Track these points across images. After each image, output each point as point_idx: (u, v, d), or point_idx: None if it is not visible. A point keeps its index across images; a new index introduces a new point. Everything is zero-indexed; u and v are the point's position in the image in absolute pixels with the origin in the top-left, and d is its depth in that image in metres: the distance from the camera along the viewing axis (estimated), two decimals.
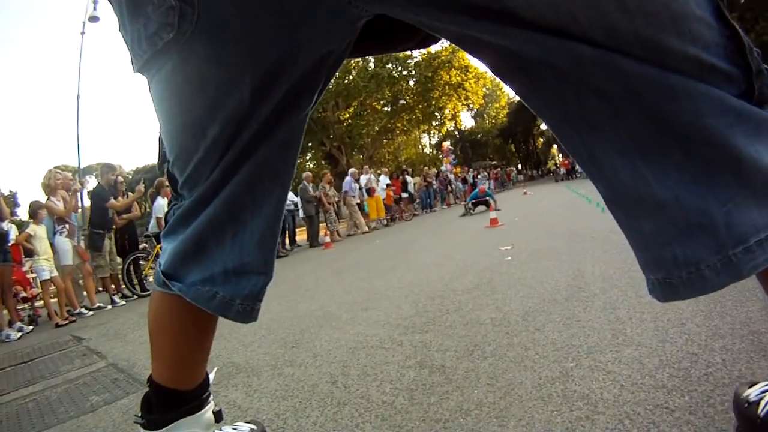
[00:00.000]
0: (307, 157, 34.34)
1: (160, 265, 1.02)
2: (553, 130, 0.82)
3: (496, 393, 1.76)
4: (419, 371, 2.08)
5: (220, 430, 1.27)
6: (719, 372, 1.55)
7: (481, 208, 13.21)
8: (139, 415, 1.10)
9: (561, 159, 36.31)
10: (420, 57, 30.34)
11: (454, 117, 39.51)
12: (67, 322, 5.86)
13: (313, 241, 11.76)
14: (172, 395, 1.08)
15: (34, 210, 6.50)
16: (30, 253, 6.62)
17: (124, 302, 7.11)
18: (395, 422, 1.68)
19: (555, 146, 49.74)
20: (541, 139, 54.45)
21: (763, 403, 1.05)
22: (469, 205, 13.26)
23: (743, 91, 0.66)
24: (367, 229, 12.95)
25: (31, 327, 6.10)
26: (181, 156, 0.93)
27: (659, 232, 0.73)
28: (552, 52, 0.68)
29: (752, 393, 1.12)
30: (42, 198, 6.69)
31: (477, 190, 14.02)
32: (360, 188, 13.64)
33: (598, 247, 4.15)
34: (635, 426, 1.40)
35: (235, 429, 1.34)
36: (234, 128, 0.86)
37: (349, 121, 29.79)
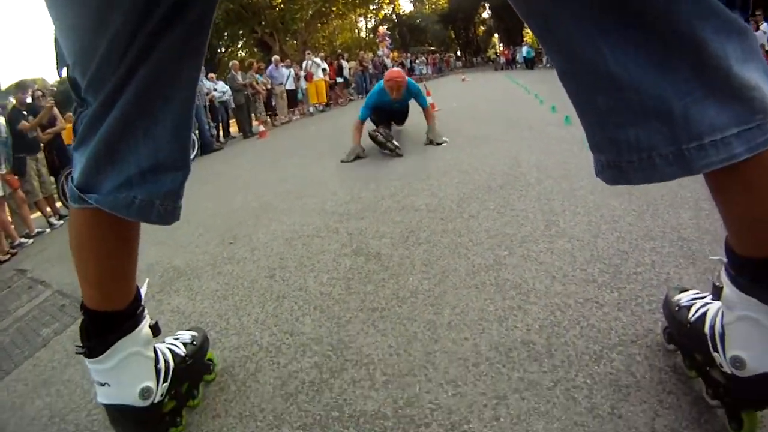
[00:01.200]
0: (238, 45, 31.92)
1: (72, 180, 0.93)
2: None
3: (431, 280, 1.74)
4: (355, 259, 2.05)
5: (163, 342, 1.22)
6: (648, 272, 1.57)
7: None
8: (80, 344, 1.03)
9: (501, 48, 35.85)
10: None
11: (392, 1, 37.84)
12: (8, 257, 5.37)
13: (247, 131, 11.28)
14: (106, 318, 1.02)
15: None
16: None
17: (62, 222, 6.68)
18: (334, 313, 1.65)
19: (496, 35, 49.02)
20: (482, 27, 53.41)
21: (693, 309, 1.07)
22: (376, 133, 4.62)
23: None
24: (285, 119, 12.41)
25: None
26: (81, 56, 0.82)
27: (614, 111, 0.70)
28: None
29: (683, 298, 1.14)
30: None
31: (377, 87, 4.91)
32: (296, 74, 13.05)
33: (536, 137, 4.13)
34: (566, 318, 1.42)
35: (176, 338, 1.29)
36: (140, 13, 0.75)
37: (282, 6, 27.69)
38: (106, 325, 1.01)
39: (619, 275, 1.58)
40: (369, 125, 4.90)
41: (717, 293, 0.93)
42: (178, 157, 0.94)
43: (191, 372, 1.25)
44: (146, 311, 1.10)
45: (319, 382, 1.32)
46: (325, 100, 13.94)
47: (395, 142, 4.46)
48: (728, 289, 0.85)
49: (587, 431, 1.06)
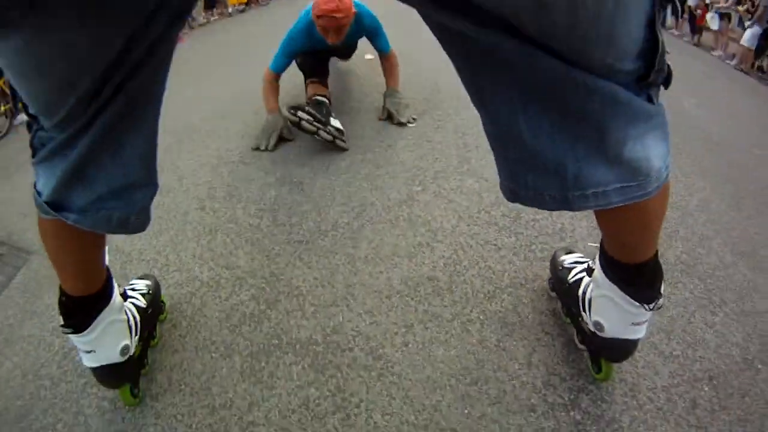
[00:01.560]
0: None
1: (39, 195, 0.93)
2: (448, 54, 0.82)
3: (350, 213, 1.89)
4: (279, 189, 2.13)
5: (125, 296, 1.29)
6: (545, 221, 1.80)
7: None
8: (63, 324, 1.09)
9: None
10: None
11: None
12: None
13: None
14: (87, 300, 1.08)
15: None
16: None
17: None
18: (264, 246, 1.77)
19: None
20: None
21: (573, 272, 1.30)
22: (298, 117, 2.42)
23: (639, 76, 0.71)
24: (203, 20, 11.34)
25: None
26: (46, 110, 0.81)
27: (519, 162, 0.82)
28: (479, 32, 0.66)
29: (567, 260, 1.37)
30: None
31: (303, 20, 2.66)
32: None
33: None
34: (467, 257, 1.63)
35: (133, 290, 1.36)
36: (109, 73, 0.74)
37: None
38: (87, 306, 1.08)
39: (519, 221, 1.79)
40: (292, 83, 3.15)
41: (590, 272, 1.18)
42: (146, 176, 0.98)
43: (151, 318, 1.37)
44: (114, 282, 1.18)
45: (258, 314, 1.47)
46: (245, 0, 13.00)
47: (335, 124, 2.53)
48: (598, 272, 1.07)
49: (477, 359, 1.29)
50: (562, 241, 1.69)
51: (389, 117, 2.82)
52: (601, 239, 1.04)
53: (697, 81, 5.25)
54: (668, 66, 0.73)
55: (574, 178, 0.76)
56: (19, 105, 0.87)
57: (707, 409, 1.19)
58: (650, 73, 0.70)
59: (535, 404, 1.20)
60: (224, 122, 3.09)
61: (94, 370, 1.14)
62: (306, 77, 2.96)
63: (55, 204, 0.91)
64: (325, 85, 2.92)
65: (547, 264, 1.51)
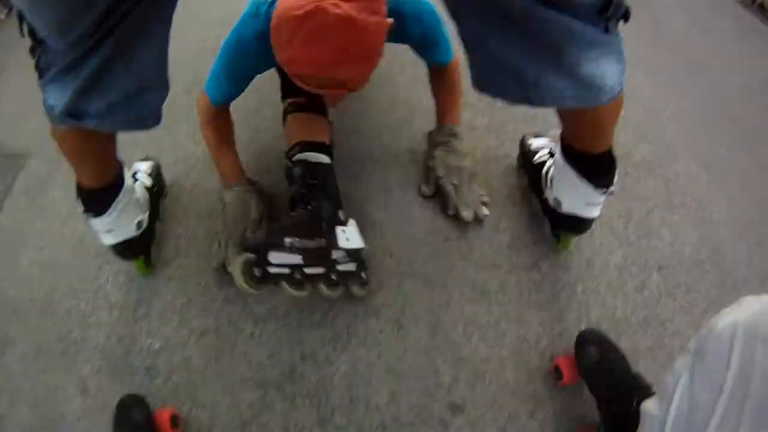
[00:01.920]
0: None
1: (53, 108, 0.92)
2: None
3: None
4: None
5: (133, 179, 1.38)
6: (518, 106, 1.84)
7: None
8: (84, 210, 1.16)
9: None
10: None
11: None
12: None
13: None
14: (107, 187, 1.16)
15: None
16: None
17: None
18: (251, 123, 1.80)
19: None
20: None
21: (539, 154, 1.44)
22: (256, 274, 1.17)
23: (599, 10, 0.82)
24: None
25: None
26: (59, 32, 0.80)
27: (487, 65, 0.93)
28: None
29: (534, 143, 1.51)
30: None
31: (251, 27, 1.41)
32: None
33: None
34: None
35: (138, 171, 1.45)
36: None
37: None
38: (106, 193, 1.17)
39: (494, 104, 1.82)
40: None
41: (552, 155, 1.34)
42: (159, 80, 1.00)
43: (157, 195, 1.47)
44: (125, 166, 1.26)
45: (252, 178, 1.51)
46: None
47: (346, 243, 1.22)
48: (558, 155, 1.21)
49: (449, 222, 1.45)
50: (533, 126, 1.77)
51: (438, 192, 1.51)
52: (562, 128, 1.17)
53: (698, 8, 5.17)
54: (625, 4, 0.85)
55: (533, 83, 0.88)
56: (25, 29, 0.85)
57: (654, 293, 1.36)
58: (609, 7, 0.81)
59: (500, 263, 1.37)
60: (203, 5, 2.63)
61: (114, 246, 1.26)
62: (284, 92, 1.57)
63: (72, 114, 0.93)
64: (323, 111, 1.50)
65: (517, 144, 1.61)
